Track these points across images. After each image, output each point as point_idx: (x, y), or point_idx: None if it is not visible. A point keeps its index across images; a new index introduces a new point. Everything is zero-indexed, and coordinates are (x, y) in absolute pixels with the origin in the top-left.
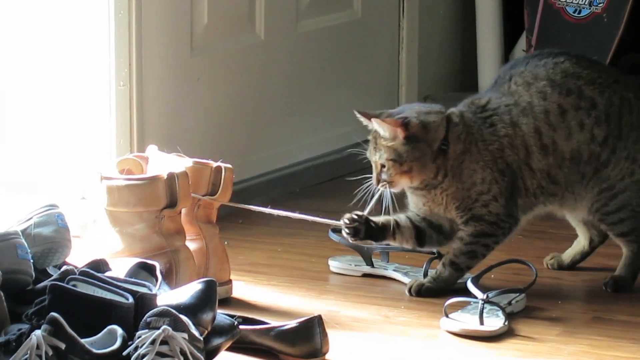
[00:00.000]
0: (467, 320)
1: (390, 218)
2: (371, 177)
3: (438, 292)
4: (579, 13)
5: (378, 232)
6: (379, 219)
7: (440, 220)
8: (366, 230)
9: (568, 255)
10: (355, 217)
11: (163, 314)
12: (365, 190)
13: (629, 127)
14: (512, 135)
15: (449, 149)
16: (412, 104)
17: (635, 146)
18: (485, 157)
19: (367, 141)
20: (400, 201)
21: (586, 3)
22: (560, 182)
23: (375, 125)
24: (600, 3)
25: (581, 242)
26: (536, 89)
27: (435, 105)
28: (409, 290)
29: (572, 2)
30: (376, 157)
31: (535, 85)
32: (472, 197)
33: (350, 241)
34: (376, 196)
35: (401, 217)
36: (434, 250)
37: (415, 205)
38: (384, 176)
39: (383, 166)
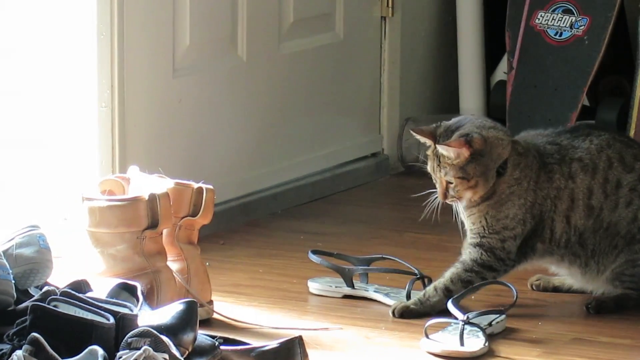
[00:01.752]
0: (447, 341)
1: None
2: (436, 192)
3: (422, 315)
4: (560, 35)
5: None
6: None
7: None
8: None
9: (558, 280)
10: None
11: (144, 334)
12: (432, 204)
13: None
14: (563, 188)
15: (505, 173)
16: (471, 117)
17: None
18: (529, 196)
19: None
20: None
21: (567, 25)
22: (588, 247)
23: (440, 149)
24: (581, 26)
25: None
26: (606, 156)
27: (498, 124)
28: (393, 312)
29: (553, 25)
30: (441, 175)
31: (606, 152)
32: (494, 227)
33: None
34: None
35: None
36: (415, 271)
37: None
38: (451, 192)
39: (449, 182)
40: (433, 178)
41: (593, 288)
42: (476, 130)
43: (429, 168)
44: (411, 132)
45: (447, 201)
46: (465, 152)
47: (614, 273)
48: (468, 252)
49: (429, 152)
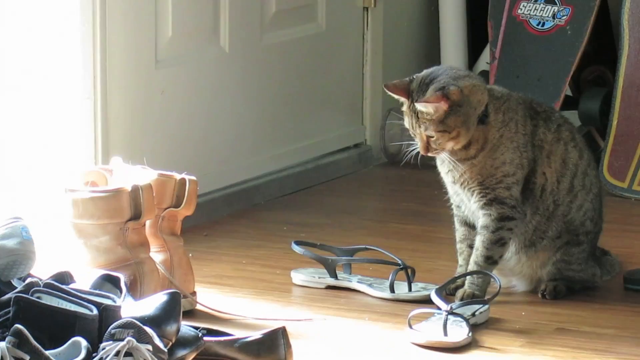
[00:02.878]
0: (431, 331)
1: (465, 255)
2: (414, 144)
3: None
4: (543, 25)
5: None
6: (462, 267)
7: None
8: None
9: None
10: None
11: (127, 325)
12: (411, 153)
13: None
14: (550, 142)
15: (489, 118)
16: (444, 67)
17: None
18: (520, 139)
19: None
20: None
21: (550, 16)
22: (551, 227)
23: (419, 107)
24: (563, 16)
25: None
26: (580, 139)
27: (471, 72)
28: (461, 299)
29: (535, 15)
30: (421, 130)
31: (577, 136)
32: (497, 176)
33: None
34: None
35: (462, 236)
36: (399, 261)
37: (449, 189)
38: (433, 145)
39: (430, 137)
40: (411, 133)
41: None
42: (452, 82)
43: (406, 124)
44: (384, 88)
45: (430, 154)
46: (443, 106)
47: (554, 265)
48: (483, 216)
49: (404, 109)
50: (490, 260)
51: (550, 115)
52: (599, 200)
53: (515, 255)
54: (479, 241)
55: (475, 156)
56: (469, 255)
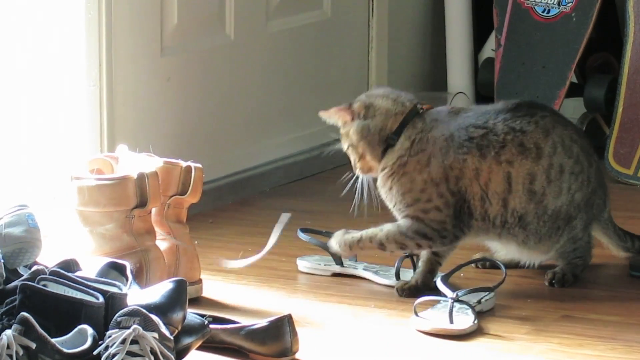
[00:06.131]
0: (436, 318)
1: (424, 259)
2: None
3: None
4: (548, 12)
5: (432, 277)
6: (424, 266)
7: None
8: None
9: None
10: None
11: (133, 313)
12: (354, 180)
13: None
14: (486, 169)
15: (395, 144)
16: (381, 88)
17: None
18: (434, 171)
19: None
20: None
21: (555, 2)
22: (530, 230)
23: (323, 116)
24: (569, 3)
25: None
26: (552, 141)
27: (407, 94)
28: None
29: (541, 2)
30: (343, 147)
31: (552, 137)
32: (406, 200)
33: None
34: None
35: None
36: None
37: None
38: (357, 165)
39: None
40: None
41: (529, 259)
42: (364, 98)
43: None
44: (320, 115)
45: (359, 174)
46: (347, 116)
47: (558, 252)
48: (404, 219)
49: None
50: (382, 247)
51: (489, 137)
52: (579, 166)
53: (519, 251)
54: (387, 227)
55: (385, 181)
56: (428, 260)
